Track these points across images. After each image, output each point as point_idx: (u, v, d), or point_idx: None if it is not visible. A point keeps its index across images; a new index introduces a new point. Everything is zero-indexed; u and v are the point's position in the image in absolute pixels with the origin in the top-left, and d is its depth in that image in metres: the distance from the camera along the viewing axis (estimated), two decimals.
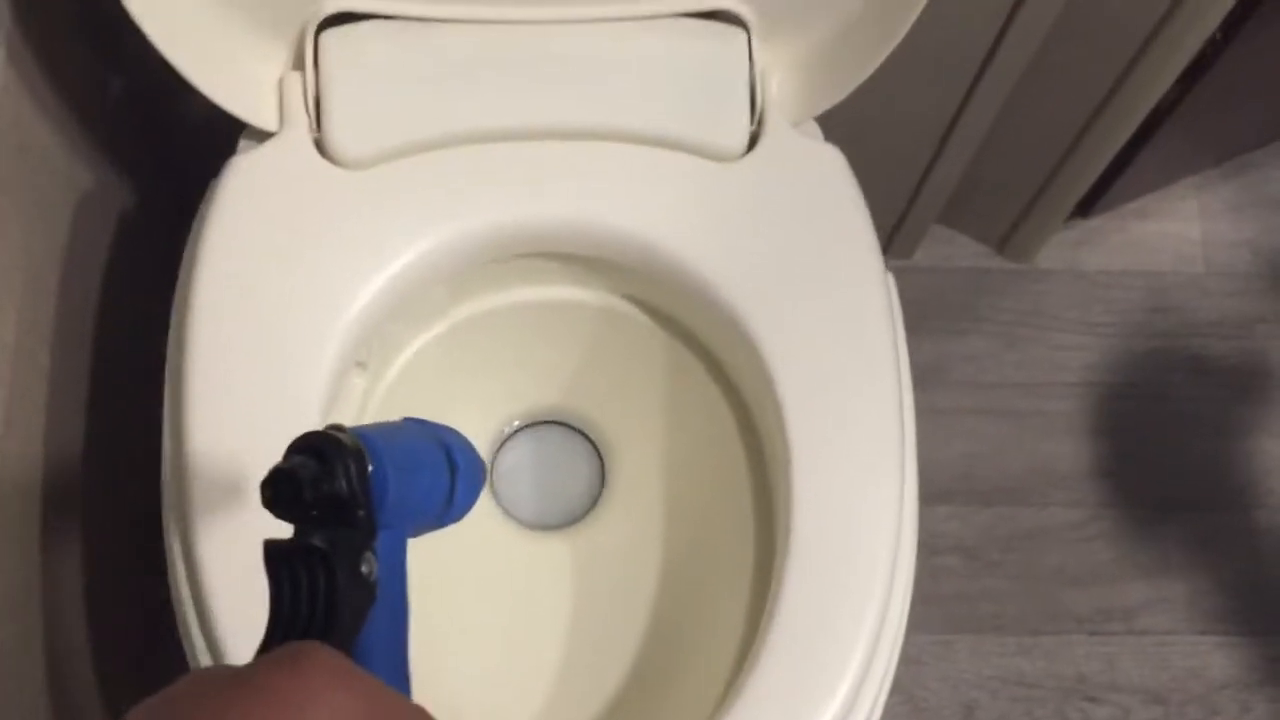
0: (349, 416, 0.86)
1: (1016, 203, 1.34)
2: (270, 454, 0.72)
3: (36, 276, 0.82)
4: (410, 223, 0.78)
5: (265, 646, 0.39)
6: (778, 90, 0.82)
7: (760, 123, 0.82)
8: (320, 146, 0.79)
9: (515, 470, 0.98)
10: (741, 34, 0.81)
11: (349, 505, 0.40)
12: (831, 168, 0.82)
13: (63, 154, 0.88)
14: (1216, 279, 1.46)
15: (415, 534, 0.45)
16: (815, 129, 0.85)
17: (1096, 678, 1.30)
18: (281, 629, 0.39)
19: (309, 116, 0.79)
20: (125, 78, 0.97)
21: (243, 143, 0.81)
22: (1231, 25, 1.07)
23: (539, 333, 0.93)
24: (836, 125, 0.86)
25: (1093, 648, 1.31)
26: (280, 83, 0.80)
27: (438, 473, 0.46)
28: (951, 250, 1.44)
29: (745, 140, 0.82)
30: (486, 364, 0.94)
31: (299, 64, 0.79)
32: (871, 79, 0.81)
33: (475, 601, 0.93)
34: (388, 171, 0.79)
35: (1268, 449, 1.40)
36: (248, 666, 0.35)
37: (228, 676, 0.34)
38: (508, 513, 0.96)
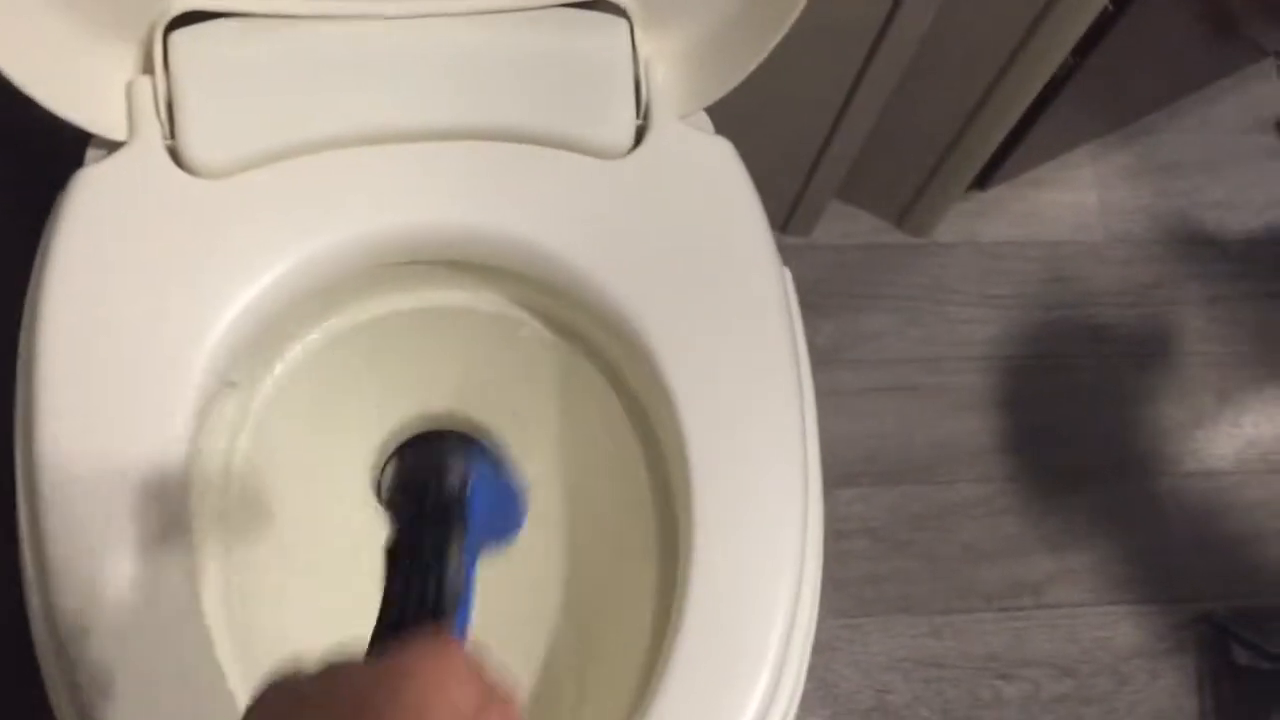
0: (222, 439, 0.80)
1: (914, 177, 1.32)
2: (135, 486, 0.68)
3: None
4: (275, 235, 0.73)
5: (384, 632, 0.42)
6: (663, 82, 0.78)
7: (646, 116, 0.78)
8: (175, 155, 0.73)
9: None
10: (623, 24, 0.77)
11: (457, 507, 0.45)
12: (721, 161, 0.78)
13: None
14: (1114, 246, 1.46)
15: (480, 553, 0.50)
16: (705, 120, 0.81)
17: (1007, 654, 1.29)
18: (398, 615, 0.43)
19: (161, 124, 0.73)
20: None
21: (90, 153, 0.75)
22: None
23: (425, 341, 0.88)
24: (727, 105, 0.82)
25: (1002, 624, 1.30)
26: (128, 88, 0.74)
27: (515, 496, 0.53)
28: (851, 226, 1.42)
29: (630, 135, 0.78)
30: (370, 375, 0.89)
31: (148, 67, 0.73)
32: (762, 60, 0.77)
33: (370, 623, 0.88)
34: (249, 180, 0.74)
35: (1170, 415, 1.40)
36: (391, 656, 0.37)
37: (369, 670, 0.36)
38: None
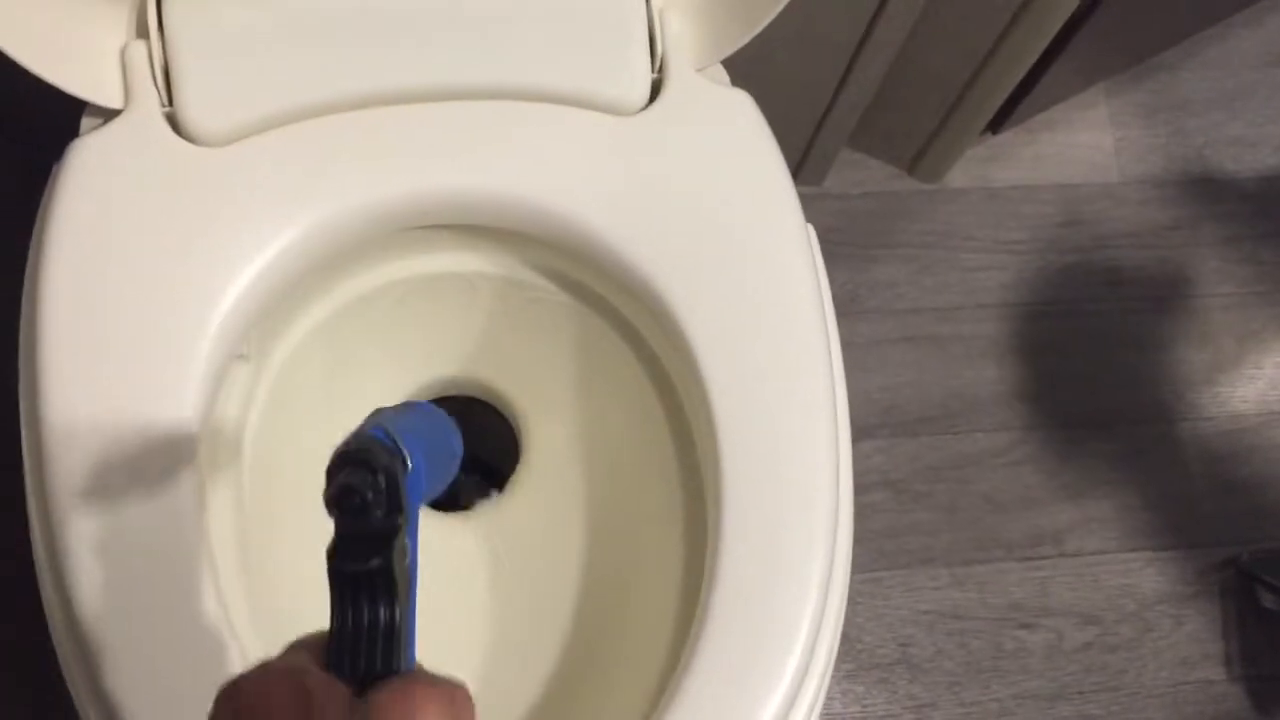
0: (233, 409, 0.78)
1: (927, 122, 1.29)
2: (144, 467, 0.66)
3: None
4: (280, 203, 0.70)
5: (331, 660, 0.40)
6: (678, 34, 0.75)
7: (662, 69, 0.75)
8: (173, 122, 0.71)
9: None
10: None
11: (397, 514, 0.40)
12: (741, 114, 0.75)
13: None
14: (1130, 188, 1.43)
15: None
16: (722, 73, 0.78)
17: (1029, 603, 1.28)
18: (349, 644, 0.40)
19: (158, 90, 0.70)
20: None
21: (85, 122, 0.72)
22: None
23: (437, 307, 0.86)
24: (739, 51, 0.79)
25: (1024, 574, 1.29)
26: (122, 54, 0.71)
27: (451, 455, 0.48)
28: (862, 174, 1.39)
29: (646, 90, 0.75)
30: (382, 343, 0.87)
31: (142, 31, 0.70)
32: (780, 10, 0.74)
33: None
34: (251, 146, 0.71)
35: (1189, 359, 1.38)
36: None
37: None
38: None
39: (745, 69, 0.79)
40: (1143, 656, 1.27)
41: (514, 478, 0.92)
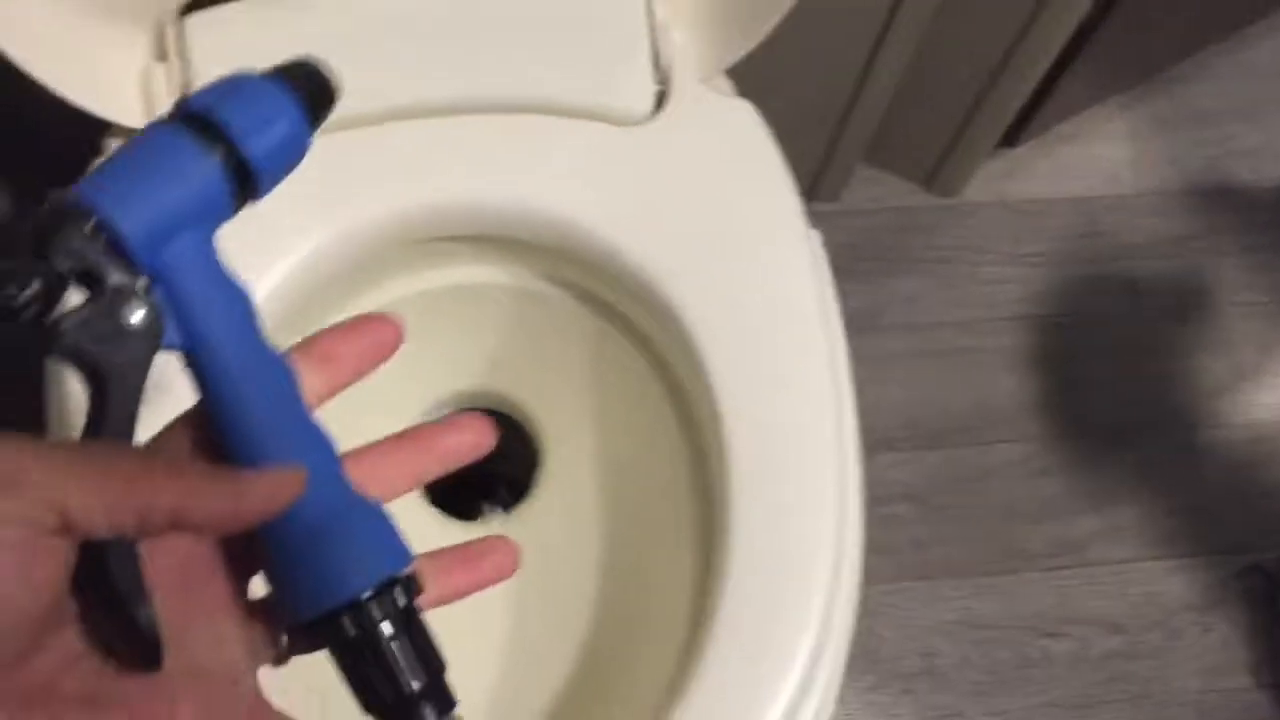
0: None
1: (942, 135, 1.31)
2: None
3: None
4: (298, 217, 0.73)
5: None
6: (681, 45, 0.77)
7: (666, 81, 0.77)
8: None
9: None
10: None
11: (92, 280, 0.35)
12: (743, 124, 0.78)
13: None
14: (1147, 199, 1.45)
15: (233, 213, 0.39)
16: (726, 83, 0.81)
17: (1054, 612, 1.28)
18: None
19: None
20: None
21: (108, 143, 0.75)
22: None
23: (454, 319, 0.88)
24: (749, 69, 0.81)
25: (1048, 583, 1.29)
26: (143, 75, 0.74)
27: (195, 170, 0.37)
28: (879, 190, 1.41)
29: (651, 101, 0.77)
30: (400, 355, 0.89)
31: (162, 54, 0.73)
32: (781, 19, 0.76)
33: None
34: None
35: (1208, 367, 1.38)
36: None
37: None
38: (435, 503, 0.92)
39: (758, 87, 0.82)
40: (1169, 664, 1.27)
41: (533, 487, 0.94)
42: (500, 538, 0.43)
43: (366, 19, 0.75)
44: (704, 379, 0.74)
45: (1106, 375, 1.37)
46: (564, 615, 0.88)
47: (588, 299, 0.86)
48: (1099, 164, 1.45)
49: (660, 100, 0.77)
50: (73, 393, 0.69)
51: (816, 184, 1.33)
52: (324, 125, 0.74)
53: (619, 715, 0.83)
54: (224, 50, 0.73)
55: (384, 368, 0.90)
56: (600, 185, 0.76)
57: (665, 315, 0.76)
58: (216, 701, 0.36)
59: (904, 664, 1.25)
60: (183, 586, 0.36)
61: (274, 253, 0.72)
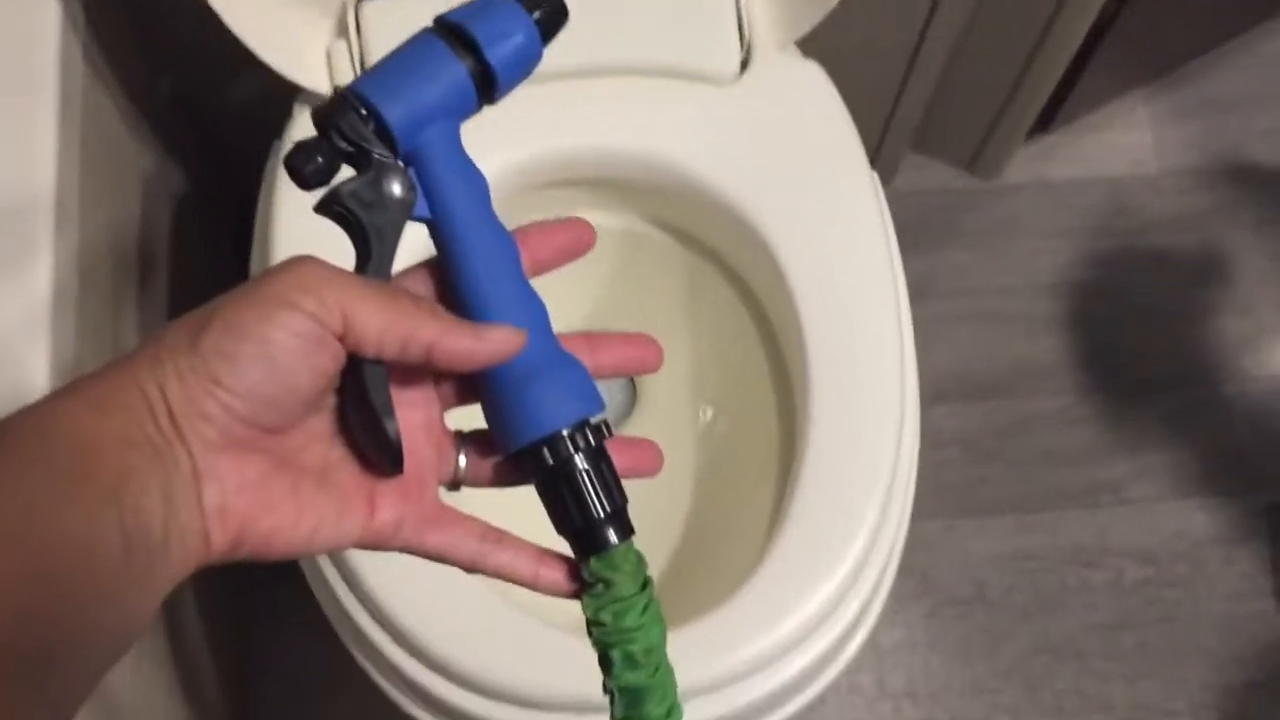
0: None
1: (981, 121, 1.46)
2: None
3: (116, 247, 0.94)
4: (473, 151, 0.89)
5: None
6: (762, 16, 0.94)
7: (749, 47, 0.93)
8: None
9: None
10: None
11: (362, 158, 0.42)
12: (815, 82, 0.94)
13: (130, 144, 1.00)
14: (1170, 179, 1.59)
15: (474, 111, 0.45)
16: (796, 53, 0.96)
17: (1091, 545, 1.42)
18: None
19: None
20: (171, 79, 1.10)
21: (297, 107, 0.92)
22: None
23: None
24: (810, 58, 0.96)
25: (1086, 520, 1.43)
26: (328, 52, 0.91)
27: (447, 71, 0.43)
28: (927, 175, 1.56)
29: (738, 64, 0.93)
30: None
31: (344, 33, 0.90)
32: (839, 8, 0.91)
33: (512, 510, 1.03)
34: None
35: (1230, 328, 1.52)
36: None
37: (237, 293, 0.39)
38: None
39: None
40: (1197, 591, 1.40)
41: (630, 415, 1.09)
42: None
43: None
44: (788, 299, 0.89)
45: (1136, 335, 1.51)
46: (668, 503, 1.03)
47: (686, 239, 1.02)
48: (1125, 149, 1.60)
49: (745, 64, 0.94)
50: None
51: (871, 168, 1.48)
52: None
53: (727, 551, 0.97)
54: (396, 31, 0.90)
55: None
56: (699, 134, 0.92)
57: (757, 247, 0.91)
58: (408, 494, 0.43)
59: (958, 591, 1.40)
60: (397, 404, 0.42)
61: None
